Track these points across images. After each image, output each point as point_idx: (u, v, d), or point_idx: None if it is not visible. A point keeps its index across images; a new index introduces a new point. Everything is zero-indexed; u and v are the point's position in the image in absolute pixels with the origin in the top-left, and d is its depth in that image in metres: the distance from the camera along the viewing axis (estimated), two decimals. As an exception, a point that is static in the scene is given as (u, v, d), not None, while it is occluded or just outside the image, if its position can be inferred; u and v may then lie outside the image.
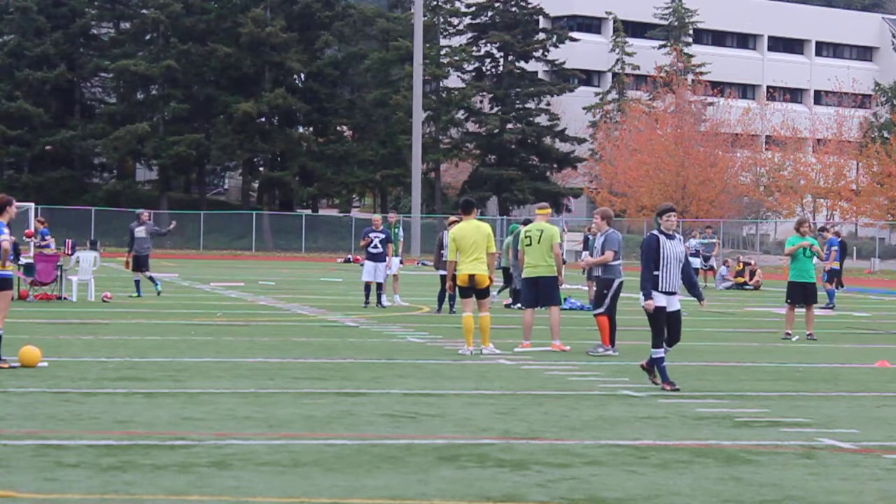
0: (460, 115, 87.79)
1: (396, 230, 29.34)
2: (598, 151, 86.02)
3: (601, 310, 18.12)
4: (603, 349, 17.99)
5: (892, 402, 13.93)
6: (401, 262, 29.95)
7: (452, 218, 27.85)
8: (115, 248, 68.71)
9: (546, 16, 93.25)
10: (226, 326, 21.77)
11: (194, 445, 10.11)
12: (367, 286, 27.69)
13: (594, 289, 19.73)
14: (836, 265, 33.39)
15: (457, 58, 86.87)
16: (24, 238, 29.06)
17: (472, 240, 17.85)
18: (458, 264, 17.89)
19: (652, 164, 76.71)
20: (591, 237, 30.35)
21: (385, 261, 27.50)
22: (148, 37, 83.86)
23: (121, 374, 14.51)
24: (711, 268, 44.71)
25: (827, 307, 31.38)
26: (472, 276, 17.80)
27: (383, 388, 13.89)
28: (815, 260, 22.23)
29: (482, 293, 17.97)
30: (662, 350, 14.29)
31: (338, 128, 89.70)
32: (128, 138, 79.03)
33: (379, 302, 27.61)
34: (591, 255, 19.12)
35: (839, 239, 35.25)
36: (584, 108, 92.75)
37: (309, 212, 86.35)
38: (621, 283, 18.27)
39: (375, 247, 27.48)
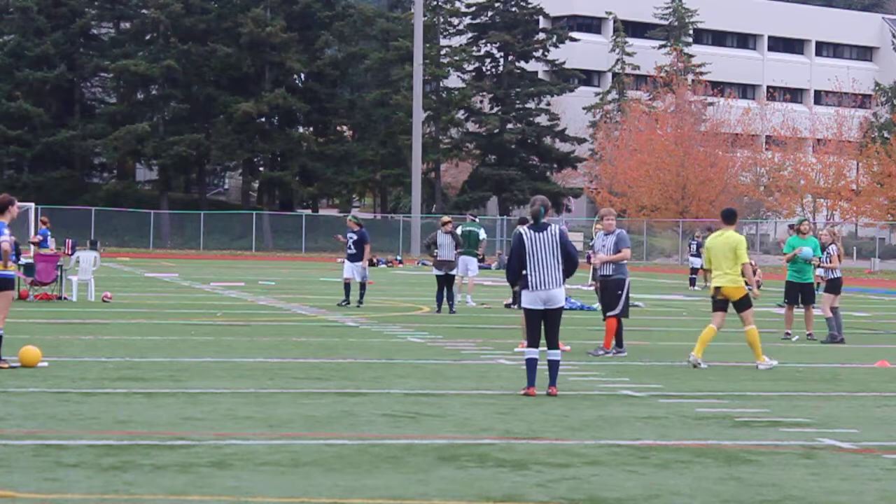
0: (460, 115, 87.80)
1: (476, 230, 28.95)
2: (598, 151, 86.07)
3: (616, 311, 17.91)
4: (603, 352, 17.93)
5: (892, 402, 13.94)
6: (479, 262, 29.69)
7: (445, 218, 27.94)
8: (115, 248, 68.80)
9: (546, 16, 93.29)
10: (226, 326, 21.77)
11: (194, 445, 10.11)
12: (346, 284, 27.79)
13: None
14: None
15: (457, 58, 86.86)
16: (29, 244, 29.12)
17: (721, 251, 17.01)
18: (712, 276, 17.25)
19: (652, 164, 76.75)
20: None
21: (361, 260, 27.55)
22: (148, 37, 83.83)
23: (121, 374, 14.51)
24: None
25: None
26: (718, 289, 17.01)
27: (383, 388, 13.89)
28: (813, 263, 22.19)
29: (739, 305, 17.05)
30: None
31: (338, 128, 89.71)
32: (128, 138, 79.01)
33: (359, 301, 27.59)
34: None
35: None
36: (584, 108, 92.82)
37: (309, 212, 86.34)
38: (629, 282, 18.28)
39: (350, 248, 27.67)
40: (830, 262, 21.87)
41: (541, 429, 11.36)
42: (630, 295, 18.45)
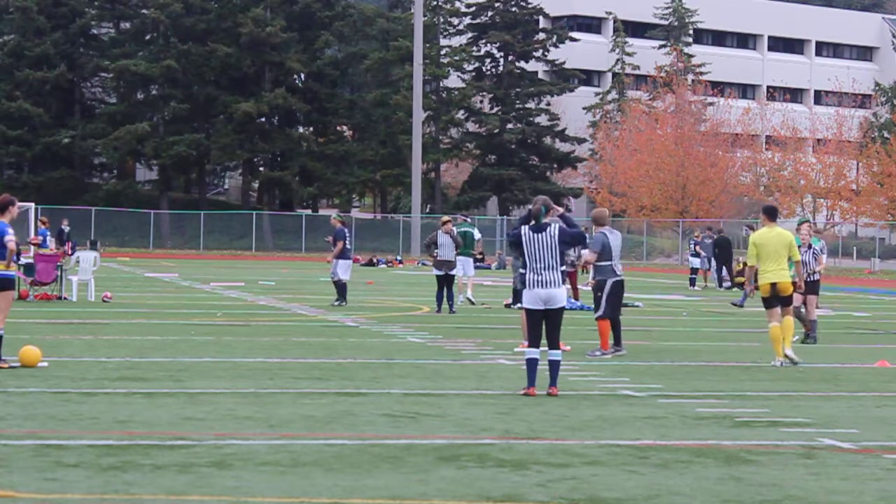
0: (460, 115, 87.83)
1: (470, 231, 29.22)
2: (598, 151, 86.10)
3: (599, 313, 18.00)
4: (601, 353, 17.91)
5: (892, 402, 13.94)
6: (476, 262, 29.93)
7: (445, 218, 27.99)
8: (115, 248, 68.81)
9: (546, 16, 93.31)
10: (226, 326, 21.77)
11: (194, 445, 10.11)
12: (339, 284, 28.07)
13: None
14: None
15: (457, 58, 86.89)
16: (29, 244, 29.09)
17: (774, 248, 17.28)
18: (760, 273, 17.37)
19: (652, 164, 76.76)
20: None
21: (338, 259, 27.86)
22: (148, 37, 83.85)
23: (121, 374, 14.52)
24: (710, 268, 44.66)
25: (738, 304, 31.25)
26: (773, 285, 17.25)
27: (383, 388, 13.89)
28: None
29: (786, 301, 17.41)
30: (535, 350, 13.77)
31: (338, 128, 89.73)
32: (128, 138, 79.01)
33: (342, 299, 27.89)
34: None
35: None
36: (584, 108, 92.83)
37: (309, 212, 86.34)
38: (615, 282, 18.10)
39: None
40: (818, 262, 21.54)
41: (541, 429, 11.36)
42: (618, 295, 18.22)
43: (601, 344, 17.99)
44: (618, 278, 18.13)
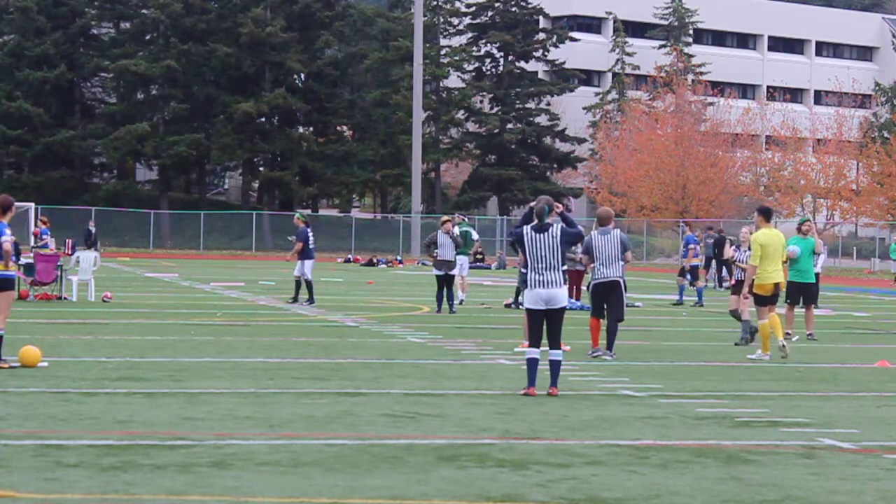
0: (460, 115, 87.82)
1: (469, 230, 29.38)
2: (598, 151, 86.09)
3: (591, 312, 18.20)
4: (592, 352, 17.84)
5: (892, 402, 13.94)
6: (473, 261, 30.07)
7: (445, 218, 28.06)
8: (115, 248, 68.78)
9: (546, 16, 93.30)
10: (226, 326, 21.77)
11: (194, 445, 10.11)
12: (304, 283, 27.92)
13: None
14: (696, 262, 33.00)
15: (457, 58, 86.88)
16: (31, 237, 29.04)
17: (775, 248, 17.87)
18: (762, 272, 17.78)
19: (652, 164, 76.76)
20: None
21: (304, 258, 28.01)
22: (148, 37, 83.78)
23: (121, 374, 14.52)
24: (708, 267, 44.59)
25: (697, 304, 31.35)
26: (776, 285, 17.97)
27: (383, 388, 13.89)
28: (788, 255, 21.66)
29: (774, 299, 18.20)
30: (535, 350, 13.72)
31: (338, 128, 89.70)
32: (128, 138, 78.97)
33: (309, 299, 27.99)
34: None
35: (696, 236, 35.10)
36: (584, 108, 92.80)
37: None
38: (594, 284, 17.93)
39: None
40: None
41: (541, 429, 11.36)
42: (597, 297, 18.06)
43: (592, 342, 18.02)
44: (598, 280, 17.83)
